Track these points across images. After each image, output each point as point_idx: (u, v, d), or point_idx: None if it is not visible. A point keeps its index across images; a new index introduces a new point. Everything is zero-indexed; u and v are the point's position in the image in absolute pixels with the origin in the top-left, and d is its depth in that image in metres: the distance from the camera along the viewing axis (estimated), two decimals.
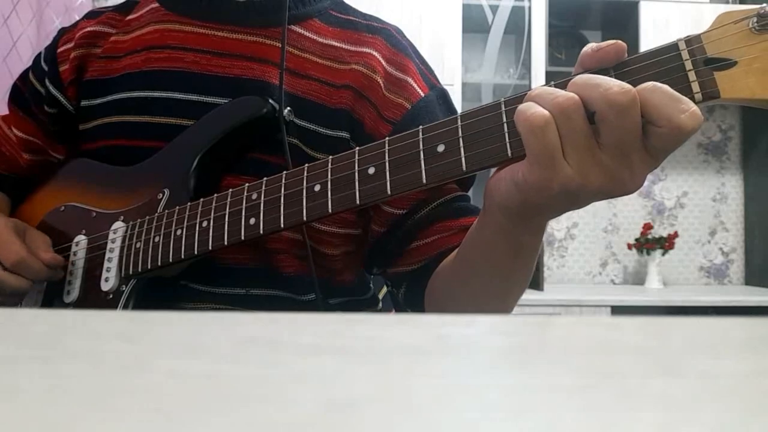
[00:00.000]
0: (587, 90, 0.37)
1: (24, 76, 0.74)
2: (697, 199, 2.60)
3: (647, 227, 2.48)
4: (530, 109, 0.38)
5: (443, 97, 0.67)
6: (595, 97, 0.37)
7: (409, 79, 0.65)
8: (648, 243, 2.41)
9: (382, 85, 0.64)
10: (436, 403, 0.11)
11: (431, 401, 0.11)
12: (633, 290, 2.30)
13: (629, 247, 2.47)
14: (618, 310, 2.05)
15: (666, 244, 2.40)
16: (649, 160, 0.38)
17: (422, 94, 0.65)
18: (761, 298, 2.10)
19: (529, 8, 2.30)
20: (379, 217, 0.63)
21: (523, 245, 0.48)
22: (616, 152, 0.38)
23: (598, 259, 2.56)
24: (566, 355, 0.14)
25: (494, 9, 2.37)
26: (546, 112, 0.37)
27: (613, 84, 0.36)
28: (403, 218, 0.63)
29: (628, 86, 0.36)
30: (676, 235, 2.44)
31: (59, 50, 0.70)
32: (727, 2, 2.52)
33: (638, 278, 2.54)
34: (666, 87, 0.37)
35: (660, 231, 2.53)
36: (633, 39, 2.30)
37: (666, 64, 0.39)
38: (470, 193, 0.67)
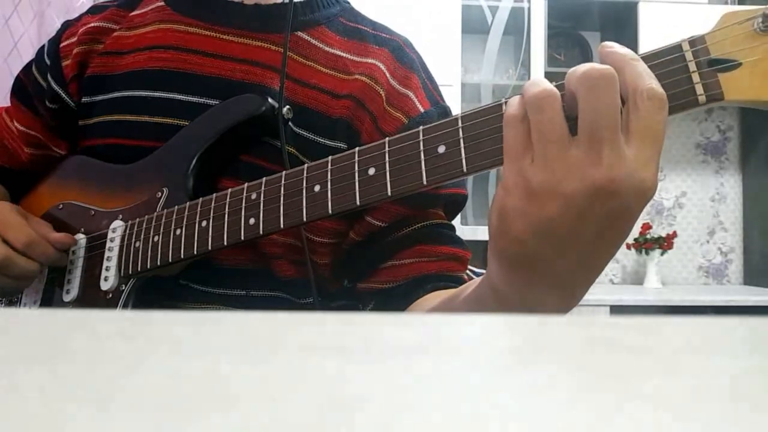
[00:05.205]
0: (569, 79, 0.36)
1: (27, 68, 0.74)
2: (695, 199, 2.60)
3: (646, 227, 2.48)
4: (510, 104, 0.38)
5: (445, 115, 0.66)
6: (572, 80, 0.36)
7: (411, 94, 0.64)
8: (647, 243, 2.42)
9: (383, 97, 0.63)
10: (435, 403, 0.11)
11: (431, 401, 0.11)
12: (632, 290, 2.30)
13: (628, 246, 2.47)
14: (617, 309, 2.05)
15: (665, 243, 2.40)
16: (630, 153, 0.34)
17: (422, 110, 0.64)
18: (760, 298, 2.10)
19: (529, 9, 2.31)
20: (359, 225, 0.62)
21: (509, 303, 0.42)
22: (588, 140, 0.34)
23: None
24: (565, 354, 0.14)
25: (493, 10, 2.37)
26: (518, 109, 0.37)
27: (590, 65, 0.35)
28: (383, 232, 0.61)
29: (605, 66, 0.35)
30: (674, 234, 2.44)
31: (62, 45, 0.70)
32: (726, 3, 2.52)
33: (637, 278, 2.54)
34: (640, 64, 0.36)
35: (659, 231, 2.53)
36: (632, 40, 2.30)
37: (669, 65, 0.38)
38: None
